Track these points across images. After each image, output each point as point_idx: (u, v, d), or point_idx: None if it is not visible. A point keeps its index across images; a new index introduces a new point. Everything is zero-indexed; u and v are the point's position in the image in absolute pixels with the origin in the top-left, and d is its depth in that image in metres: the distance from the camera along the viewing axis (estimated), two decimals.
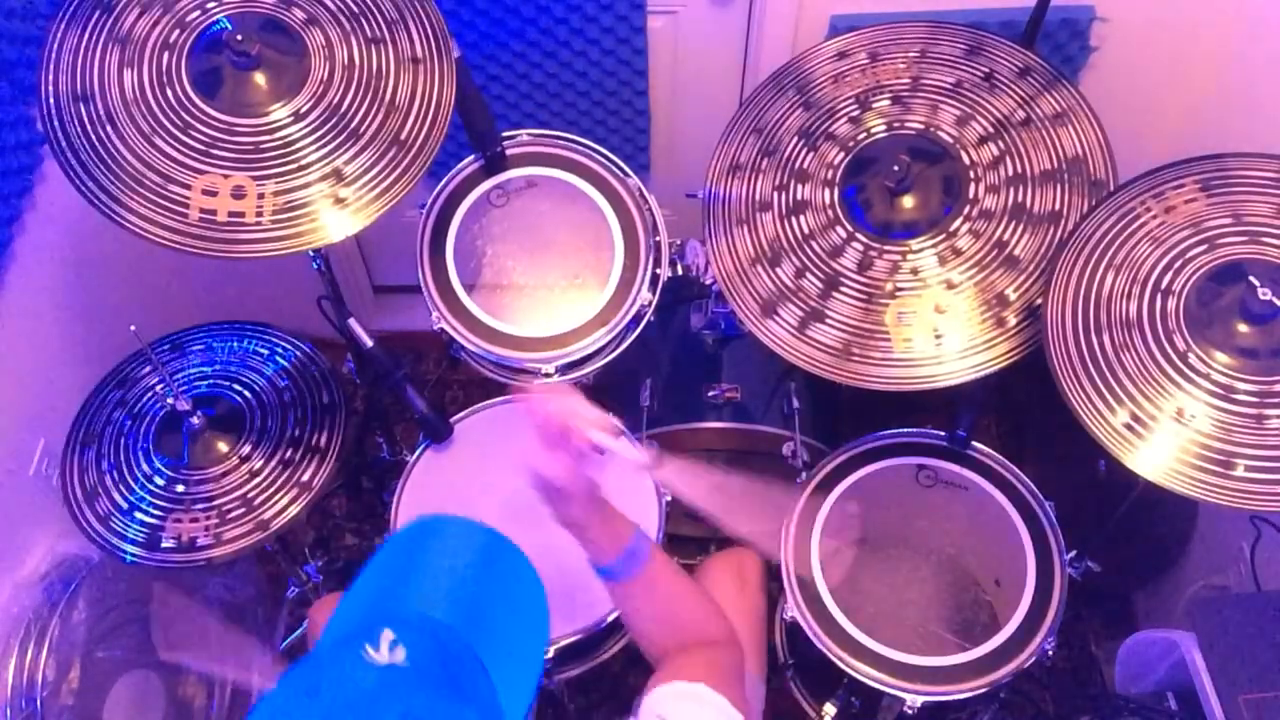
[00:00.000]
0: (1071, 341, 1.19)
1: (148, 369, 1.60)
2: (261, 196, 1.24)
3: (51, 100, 1.23)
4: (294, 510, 1.48)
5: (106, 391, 1.59)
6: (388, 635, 0.75)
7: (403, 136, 1.29)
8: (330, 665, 0.75)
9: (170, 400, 1.48)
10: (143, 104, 1.24)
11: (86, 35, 1.26)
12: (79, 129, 1.22)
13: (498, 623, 0.85)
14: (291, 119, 1.27)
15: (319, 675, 0.74)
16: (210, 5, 1.29)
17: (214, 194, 1.23)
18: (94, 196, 1.21)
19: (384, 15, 1.32)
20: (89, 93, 1.23)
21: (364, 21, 1.32)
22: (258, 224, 1.24)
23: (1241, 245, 1.18)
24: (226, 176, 1.24)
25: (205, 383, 1.60)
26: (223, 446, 1.51)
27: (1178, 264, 1.19)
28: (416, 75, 1.31)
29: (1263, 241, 1.18)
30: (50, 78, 1.23)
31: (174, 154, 1.24)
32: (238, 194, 1.24)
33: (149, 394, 1.58)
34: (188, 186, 1.23)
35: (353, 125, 1.28)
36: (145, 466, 1.50)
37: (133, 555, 1.45)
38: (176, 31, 1.28)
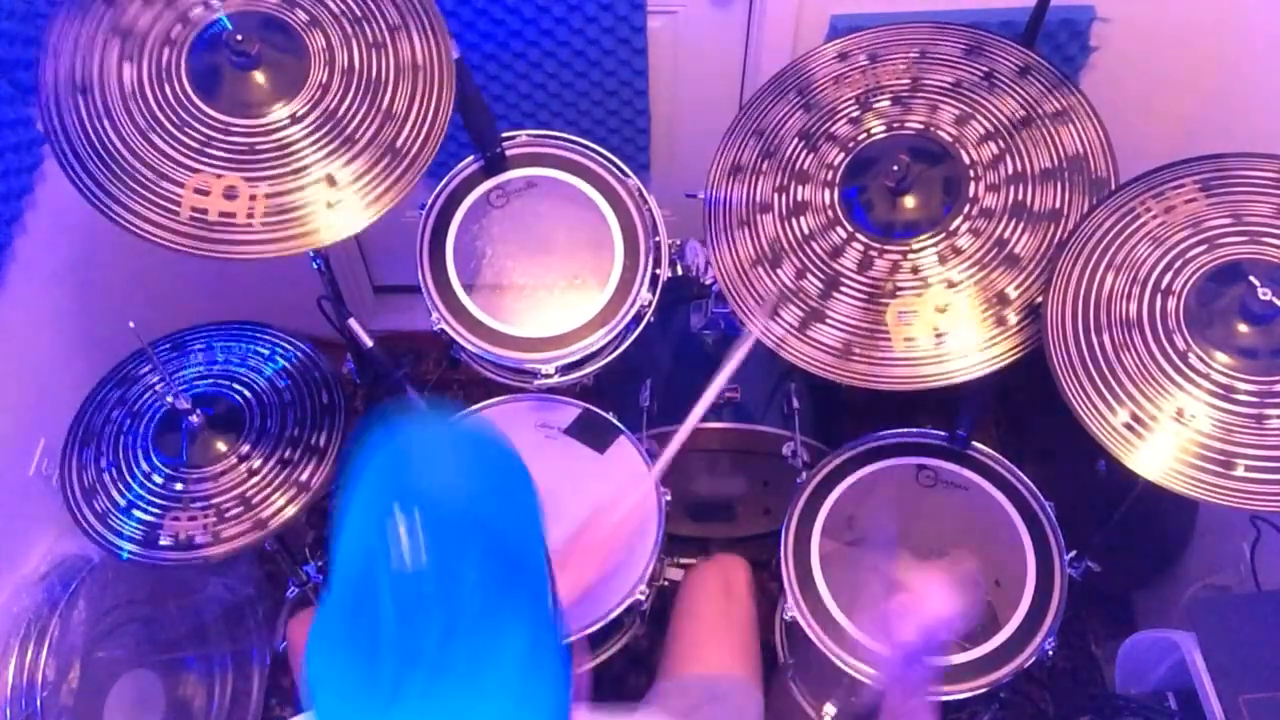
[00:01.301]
0: (1071, 342, 1.19)
1: (147, 368, 1.60)
2: (253, 198, 1.24)
3: (51, 89, 1.22)
4: (292, 510, 1.48)
5: (106, 390, 1.59)
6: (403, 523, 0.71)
7: (398, 145, 1.29)
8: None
9: (170, 399, 1.48)
10: (140, 99, 1.24)
11: (86, 25, 1.24)
12: (76, 121, 1.21)
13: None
14: (288, 121, 1.27)
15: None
16: (214, 1, 1.29)
17: (206, 193, 1.23)
18: (88, 190, 1.20)
19: (386, 20, 1.32)
20: (88, 84, 1.23)
21: (366, 25, 1.31)
22: (248, 225, 1.23)
23: (1241, 245, 1.18)
24: (219, 176, 1.24)
25: (205, 382, 1.60)
26: (221, 445, 1.51)
27: (1178, 264, 1.19)
28: (415, 83, 1.31)
29: (1263, 242, 1.18)
30: (50, 66, 1.22)
31: (169, 151, 1.23)
32: (230, 194, 1.23)
33: (148, 393, 1.58)
34: (180, 184, 1.23)
35: (349, 131, 1.28)
36: (144, 464, 1.50)
37: (130, 553, 1.45)
38: (178, 27, 1.27)
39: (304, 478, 1.51)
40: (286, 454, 1.52)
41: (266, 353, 1.64)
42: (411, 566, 0.71)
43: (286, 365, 1.62)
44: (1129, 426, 1.13)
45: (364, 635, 0.70)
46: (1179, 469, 1.11)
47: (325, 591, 0.75)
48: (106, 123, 1.22)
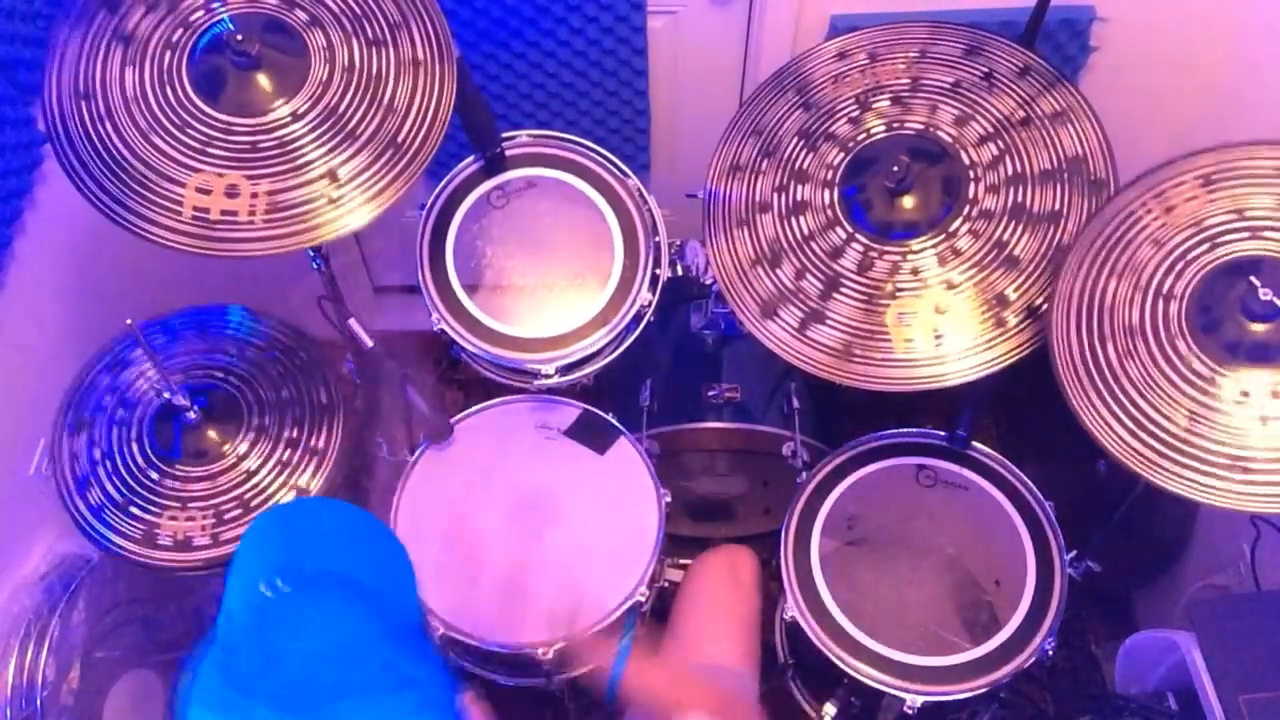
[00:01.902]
0: (1076, 353, 1.19)
1: (147, 365, 1.59)
2: (255, 195, 1.24)
3: (55, 97, 1.23)
4: None
5: (96, 371, 1.57)
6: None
7: (400, 139, 1.28)
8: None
9: (166, 395, 1.47)
10: (142, 102, 1.24)
11: (91, 33, 1.25)
12: (79, 125, 1.22)
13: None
14: (289, 119, 1.27)
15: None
16: (215, 5, 1.29)
17: (208, 192, 1.23)
18: (91, 193, 1.21)
19: (387, 17, 1.32)
20: (90, 90, 1.23)
21: (366, 23, 1.31)
22: (250, 223, 1.23)
23: (1244, 242, 1.17)
24: (221, 175, 1.24)
25: (199, 371, 1.58)
26: (219, 443, 1.50)
27: (1179, 266, 1.19)
28: (416, 78, 1.31)
29: (1264, 236, 1.16)
30: (55, 75, 1.23)
31: (170, 151, 1.23)
32: (231, 193, 1.23)
33: (142, 380, 1.57)
34: (182, 184, 1.23)
35: (350, 127, 1.28)
36: (139, 460, 1.49)
37: (125, 551, 1.44)
38: (180, 31, 1.27)
39: (303, 480, 1.50)
40: (285, 456, 1.52)
41: (263, 343, 1.63)
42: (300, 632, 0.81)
43: (276, 338, 1.61)
44: (1133, 433, 1.13)
45: (250, 691, 0.79)
46: (1183, 472, 1.11)
47: (211, 649, 0.80)
48: (108, 125, 1.23)
